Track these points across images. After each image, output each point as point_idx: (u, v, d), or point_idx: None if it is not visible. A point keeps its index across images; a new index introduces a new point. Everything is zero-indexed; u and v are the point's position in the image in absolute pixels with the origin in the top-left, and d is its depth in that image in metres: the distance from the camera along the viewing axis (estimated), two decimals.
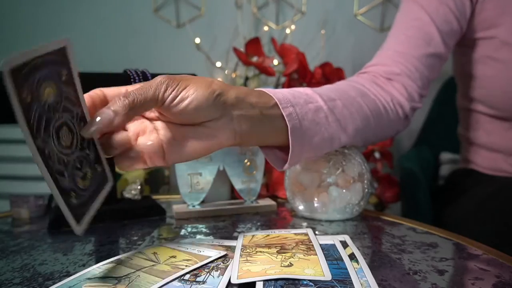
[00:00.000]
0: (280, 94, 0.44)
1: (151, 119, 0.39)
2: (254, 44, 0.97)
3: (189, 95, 0.36)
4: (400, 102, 0.59)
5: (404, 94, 0.60)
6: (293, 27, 1.29)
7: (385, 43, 0.66)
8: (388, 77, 0.60)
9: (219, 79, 1.31)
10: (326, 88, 0.51)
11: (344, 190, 0.50)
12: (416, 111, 0.64)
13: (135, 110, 0.34)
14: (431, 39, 0.62)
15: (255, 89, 0.44)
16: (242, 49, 1.05)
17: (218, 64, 1.30)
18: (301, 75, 0.89)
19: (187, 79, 0.37)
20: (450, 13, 0.63)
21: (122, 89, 0.39)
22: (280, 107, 0.42)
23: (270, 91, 0.44)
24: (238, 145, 0.42)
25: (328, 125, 0.47)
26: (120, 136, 0.36)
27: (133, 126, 0.38)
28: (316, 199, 0.51)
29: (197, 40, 1.27)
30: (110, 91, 0.38)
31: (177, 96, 0.36)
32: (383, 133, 0.58)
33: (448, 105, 1.00)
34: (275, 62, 1.05)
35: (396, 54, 0.62)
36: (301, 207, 0.53)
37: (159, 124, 0.38)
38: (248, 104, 0.40)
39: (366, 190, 0.52)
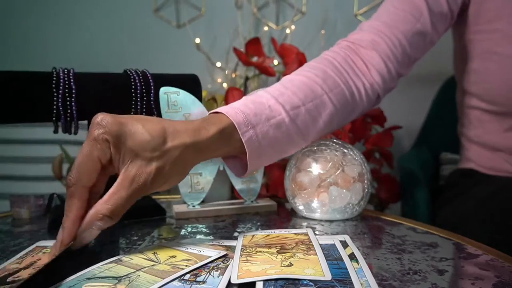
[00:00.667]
0: (241, 116, 0.45)
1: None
2: (254, 44, 0.97)
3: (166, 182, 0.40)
4: (373, 83, 0.58)
5: (382, 70, 0.58)
6: (293, 27, 1.29)
7: (374, 14, 0.65)
8: (369, 47, 0.59)
9: (219, 80, 1.32)
10: (293, 90, 0.51)
11: (344, 190, 0.50)
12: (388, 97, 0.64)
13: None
14: (420, 15, 0.61)
15: (213, 113, 0.46)
16: (242, 49, 1.05)
17: (218, 64, 1.30)
18: None
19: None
20: None
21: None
22: (240, 133, 0.44)
23: (232, 109, 0.45)
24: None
25: (289, 137, 0.49)
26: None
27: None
28: (316, 199, 0.51)
29: (197, 40, 1.27)
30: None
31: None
32: (345, 121, 0.59)
33: (448, 105, 1.00)
34: (275, 62, 1.05)
35: (383, 26, 0.61)
36: (301, 207, 0.53)
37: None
38: (208, 152, 0.43)
39: (366, 190, 0.52)
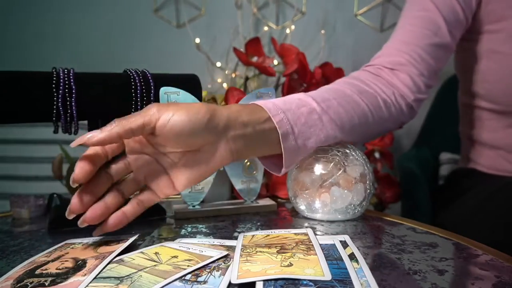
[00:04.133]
0: (270, 104, 0.45)
1: (151, 155, 0.41)
2: (254, 44, 0.97)
3: (179, 120, 0.38)
4: (404, 94, 0.60)
5: (409, 84, 0.60)
6: (293, 27, 1.29)
7: (392, 35, 0.66)
8: (392, 68, 0.60)
9: (219, 80, 1.32)
10: (321, 90, 0.52)
11: (346, 191, 0.50)
12: (421, 106, 0.64)
13: (126, 132, 0.37)
14: (437, 29, 0.62)
15: (246, 104, 0.46)
16: (242, 49, 1.05)
17: (218, 64, 1.30)
18: (301, 75, 0.89)
19: (177, 105, 0.39)
20: (457, 3, 0.63)
21: None
22: (271, 115, 0.44)
23: (260, 102, 0.46)
24: (236, 161, 0.45)
25: (323, 125, 0.48)
26: (116, 166, 0.40)
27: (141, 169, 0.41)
28: (318, 199, 0.51)
29: (197, 40, 1.27)
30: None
31: (167, 121, 0.38)
32: (383, 127, 0.59)
33: (448, 105, 1.00)
34: (275, 62, 1.05)
35: (402, 44, 0.62)
36: (302, 207, 0.53)
37: (161, 158, 0.41)
38: (241, 124, 0.42)
39: (369, 191, 0.52)
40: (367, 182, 0.52)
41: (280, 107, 0.45)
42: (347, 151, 0.52)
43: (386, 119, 0.57)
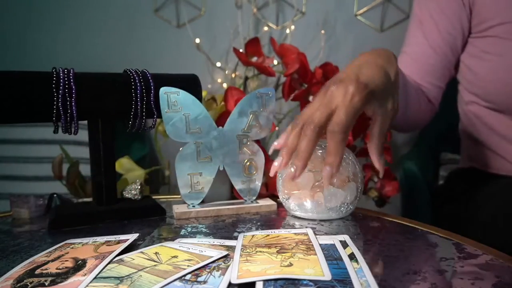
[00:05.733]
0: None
1: None
2: (254, 44, 0.97)
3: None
4: (426, 92, 0.73)
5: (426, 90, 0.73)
6: (293, 27, 1.29)
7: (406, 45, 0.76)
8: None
9: (219, 80, 1.32)
10: None
11: (340, 190, 0.51)
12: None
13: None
14: (435, 71, 0.73)
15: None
16: (242, 49, 1.05)
17: (218, 64, 1.30)
18: (301, 75, 0.89)
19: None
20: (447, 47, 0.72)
21: None
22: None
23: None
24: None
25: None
26: None
27: None
28: (311, 199, 0.51)
29: (197, 40, 1.27)
30: None
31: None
32: (416, 113, 0.71)
33: (448, 105, 1.00)
34: (275, 62, 1.05)
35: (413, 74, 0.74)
36: (295, 207, 0.53)
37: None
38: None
39: (360, 188, 0.53)
40: (359, 181, 0.52)
41: None
42: None
43: (419, 105, 0.70)
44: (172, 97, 0.51)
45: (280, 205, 0.58)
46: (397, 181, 1.01)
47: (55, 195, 0.59)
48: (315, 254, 0.37)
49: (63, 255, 0.38)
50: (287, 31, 1.29)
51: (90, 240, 0.43)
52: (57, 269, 0.35)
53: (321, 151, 0.52)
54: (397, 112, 0.49)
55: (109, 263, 0.36)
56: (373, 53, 0.51)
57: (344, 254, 0.37)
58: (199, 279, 0.33)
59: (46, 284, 0.32)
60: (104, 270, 0.34)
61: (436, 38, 0.69)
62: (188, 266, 0.35)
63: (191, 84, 0.56)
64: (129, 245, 0.41)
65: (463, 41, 0.70)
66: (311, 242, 0.41)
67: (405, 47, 0.74)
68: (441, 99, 0.77)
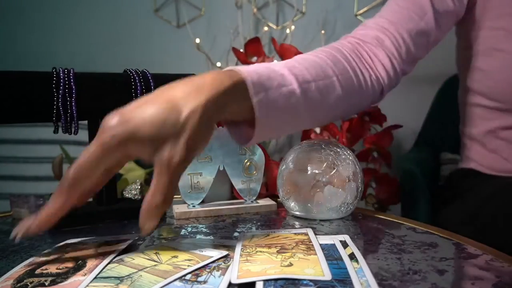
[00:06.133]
0: (255, 76, 0.43)
1: None
2: (254, 44, 0.97)
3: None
4: (379, 77, 0.59)
5: (387, 65, 0.59)
6: (293, 27, 1.29)
7: (378, 13, 0.65)
8: (374, 44, 0.60)
9: None
10: (305, 66, 0.50)
11: (340, 190, 0.51)
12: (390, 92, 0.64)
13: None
14: (424, 14, 0.62)
15: (228, 69, 0.43)
16: (242, 49, 1.05)
17: (218, 64, 1.30)
18: None
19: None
20: None
21: None
22: (252, 93, 0.41)
23: (246, 68, 0.43)
24: None
25: (296, 112, 0.47)
26: None
27: None
28: (311, 199, 0.51)
29: (197, 40, 1.27)
30: None
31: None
32: (350, 112, 0.59)
33: (448, 105, 1.00)
34: (275, 62, 1.05)
35: (387, 23, 0.61)
36: (295, 207, 0.53)
37: None
38: (227, 106, 0.40)
39: (360, 188, 0.53)
40: (359, 181, 0.52)
41: (263, 84, 0.43)
42: (339, 150, 0.52)
43: (355, 103, 0.57)
44: None
45: (280, 205, 0.58)
46: (397, 187, 1.01)
47: None
48: (315, 254, 0.37)
49: (63, 255, 0.38)
50: (287, 31, 1.29)
51: (90, 240, 0.43)
52: (57, 269, 0.35)
53: (321, 151, 0.52)
54: (187, 164, 0.37)
55: (109, 263, 0.36)
56: (191, 80, 0.41)
57: (344, 254, 0.37)
58: (199, 279, 0.33)
59: (46, 284, 0.32)
60: (104, 270, 0.34)
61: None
62: (188, 266, 0.35)
63: None
64: (129, 245, 0.41)
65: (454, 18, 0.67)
66: (311, 242, 0.41)
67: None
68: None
